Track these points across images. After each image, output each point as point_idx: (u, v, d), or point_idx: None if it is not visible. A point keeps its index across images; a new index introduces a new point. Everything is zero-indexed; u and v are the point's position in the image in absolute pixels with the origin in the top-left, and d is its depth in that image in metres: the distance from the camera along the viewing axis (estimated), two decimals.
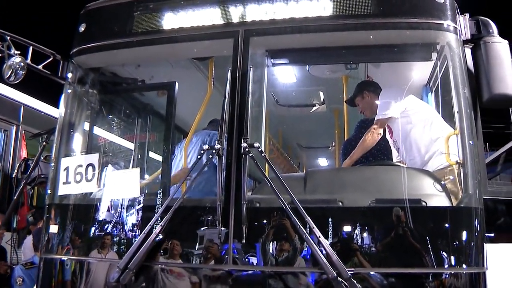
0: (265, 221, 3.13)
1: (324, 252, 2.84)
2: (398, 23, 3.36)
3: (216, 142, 3.14)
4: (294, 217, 2.90)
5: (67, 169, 3.55)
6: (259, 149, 3.12)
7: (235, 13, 3.53)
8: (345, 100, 5.00)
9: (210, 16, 3.57)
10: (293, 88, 5.53)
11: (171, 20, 3.64)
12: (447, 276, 2.89)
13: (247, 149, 3.08)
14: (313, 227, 2.89)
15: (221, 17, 3.55)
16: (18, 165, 5.88)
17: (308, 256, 2.95)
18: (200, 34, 3.59)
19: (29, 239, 5.72)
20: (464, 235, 2.96)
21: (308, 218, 2.89)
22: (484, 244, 2.97)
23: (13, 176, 5.95)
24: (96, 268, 3.35)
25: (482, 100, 3.23)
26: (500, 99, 3.21)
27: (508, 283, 3.10)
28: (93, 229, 3.44)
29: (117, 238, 3.34)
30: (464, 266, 2.89)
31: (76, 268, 3.41)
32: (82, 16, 3.91)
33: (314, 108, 6.28)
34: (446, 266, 2.88)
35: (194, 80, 4.69)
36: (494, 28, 3.39)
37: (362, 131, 4.64)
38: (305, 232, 2.88)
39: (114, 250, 3.33)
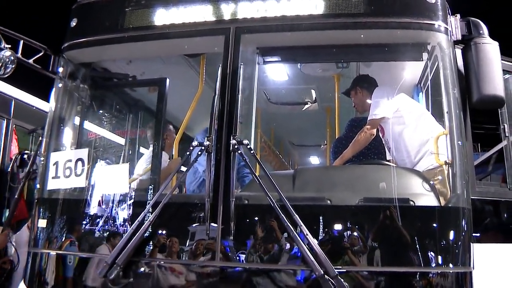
0: (253, 218, 3.15)
1: (311, 250, 2.85)
2: (389, 23, 3.36)
3: (205, 139, 3.15)
4: (282, 215, 2.90)
5: (56, 163, 3.54)
6: (248, 146, 3.12)
7: (227, 10, 3.52)
8: (341, 92, 4.97)
9: (201, 13, 3.56)
10: (285, 86, 5.55)
11: (162, 16, 3.62)
12: (434, 275, 2.90)
13: (236, 146, 3.08)
14: (301, 225, 2.89)
15: (212, 14, 3.54)
16: (13, 159, 5.82)
17: (296, 254, 2.95)
18: (192, 31, 3.59)
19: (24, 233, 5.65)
20: (451, 235, 2.97)
21: (296, 216, 2.90)
22: (471, 244, 2.99)
23: (8, 170, 5.88)
24: (84, 263, 3.34)
25: (472, 101, 3.24)
26: (489, 100, 3.22)
27: (494, 283, 3.12)
28: (81, 224, 3.43)
29: (106, 233, 3.34)
30: (451, 265, 2.91)
31: (64, 263, 3.41)
32: (73, 10, 3.89)
33: (306, 106, 6.29)
34: (433, 265, 2.89)
35: (185, 77, 4.69)
36: (484, 29, 3.40)
37: (353, 130, 4.64)
38: (293, 230, 2.89)
39: (103, 245, 3.32)
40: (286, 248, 3.00)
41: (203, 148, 3.12)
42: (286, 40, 3.55)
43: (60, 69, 3.86)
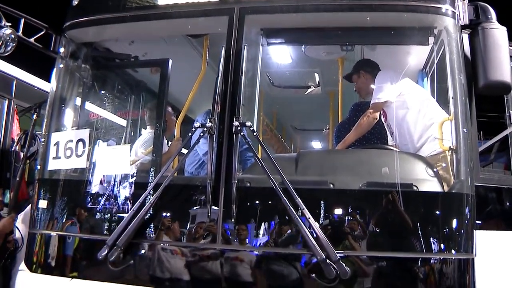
0: (255, 201, 3.12)
1: (313, 234, 2.83)
2: (396, 5, 3.32)
3: (208, 120, 3.12)
4: (284, 198, 2.88)
5: (57, 144, 3.51)
6: (251, 128, 3.09)
7: None
8: (343, 76, 4.93)
9: None
10: (288, 69, 5.49)
11: None
12: (436, 261, 2.88)
13: (238, 128, 3.05)
14: (303, 209, 2.87)
15: None
16: (17, 138, 5.77)
17: (298, 238, 2.94)
18: (195, 11, 3.53)
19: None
20: (454, 221, 2.95)
21: (298, 199, 2.88)
22: (474, 230, 2.97)
23: (12, 150, 5.85)
24: (85, 245, 3.34)
25: (478, 86, 3.19)
26: (496, 86, 3.17)
27: (496, 270, 3.11)
28: (82, 205, 3.41)
29: (106, 214, 3.32)
30: (453, 252, 2.89)
31: (65, 244, 3.39)
32: None
33: (309, 90, 6.24)
34: (436, 251, 2.87)
35: (187, 58, 4.64)
36: (493, 14, 3.34)
37: (357, 114, 4.61)
38: (295, 213, 2.87)
39: (103, 226, 3.31)
40: (288, 232, 2.99)
41: (205, 129, 3.09)
42: (291, 21, 3.50)
43: (61, 49, 3.81)
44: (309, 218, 2.86)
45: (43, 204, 3.48)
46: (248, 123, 3.09)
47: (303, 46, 4.68)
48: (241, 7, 3.41)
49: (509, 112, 3.65)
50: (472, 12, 3.38)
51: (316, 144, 8.66)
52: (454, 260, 2.89)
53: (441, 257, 2.88)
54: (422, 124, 3.85)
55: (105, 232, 3.26)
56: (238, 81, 3.24)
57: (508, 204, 3.60)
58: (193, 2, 3.52)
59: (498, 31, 3.23)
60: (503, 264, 3.19)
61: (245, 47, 3.30)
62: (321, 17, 3.45)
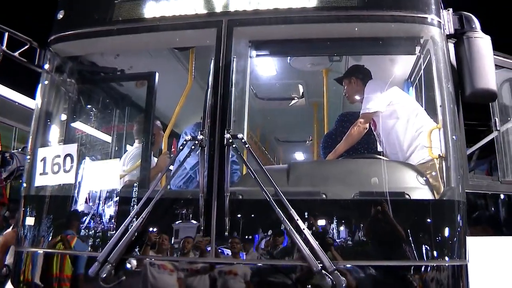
0: (248, 214, 3.10)
1: (308, 245, 2.82)
2: (383, 16, 3.35)
3: (199, 133, 3.09)
4: (278, 210, 2.87)
5: (44, 159, 3.44)
6: (243, 140, 3.08)
7: (219, 2, 3.46)
8: (334, 79, 4.93)
9: (193, 5, 3.49)
10: (272, 80, 5.50)
11: (153, 9, 3.54)
12: (430, 268, 2.89)
13: (230, 140, 3.04)
14: (298, 220, 2.86)
15: (204, 6, 3.48)
16: None
17: (292, 249, 2.92)
18: (183, 23, 3.52)
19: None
20: (447, 228, 2.97)
21: (292, 211, 2.86)
22: (466, 237, 2.99)
23: None
24: (75, 262, 3.26)
25: (465, 94, 3.24)
26: (482, 94, 3.23)
27: (485, 276, 3.13)
28: (71, 221, 3.35)
29: (96, 230, 3.25)
30: (447, 258, 2.91)
31: (54, 261, 3.28)
32: (60, 2, 3.78)
33: (293, 101, 6.26)
34: (429, 258, 2.88)
35: (172, 71, 4.63)
36: (477, 23, 3.40)
37: (343, 124, 4.65)
38: (289, 224, 2.85)
39: (94, 243, 3.24)
40: (282, 243, 2.97)
41: (196, 142, 3.06)
42: (279, 33, 3.52)
43: (46, 63, 3.75)
44: (303, 229, 2.85)
45: (30, 221, 3.39)
46: (240, 135, 3.07)
47: (290, 57, 4.69)
48: (230, 19, 3.41)
49: (495, 118, 3.70)
50: (457, 22, 3.44)
51: (299, 156, 8.67)
52: (448, 266, 2.91)
53: (436, 264, 2.89)
54: (411, 133, 3.89)
55: (95, 248, 3.19)
56: (228, 93, 3.23)
57: (495, 210, 3.65)
58: (181, 15, 3.51)
59: (483, 40, 3.29)
60: (493, 270, 3.22)
61: (234, 58, 3.30)
62: (308, 28, 3.47)
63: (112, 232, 3.14)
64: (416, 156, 3.80)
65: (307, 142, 7.27)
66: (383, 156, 4.05)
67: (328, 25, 3.44)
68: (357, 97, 4.37)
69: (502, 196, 3.61)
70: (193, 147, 3.08)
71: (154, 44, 3.91)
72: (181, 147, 3.18)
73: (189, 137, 3.13)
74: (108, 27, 3.61)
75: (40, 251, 3.34)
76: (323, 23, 3.42)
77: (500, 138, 3.73)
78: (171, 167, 3.60)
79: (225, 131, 3.07)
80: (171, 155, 4.41)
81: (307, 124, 6.56)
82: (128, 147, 4.81)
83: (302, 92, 6.04)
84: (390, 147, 4.06)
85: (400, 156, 3.94)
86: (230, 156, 3.10)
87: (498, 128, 3.70)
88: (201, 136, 3.06)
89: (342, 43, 3.65)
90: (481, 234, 3.42)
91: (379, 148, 4.32)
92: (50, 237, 3.34)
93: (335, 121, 4.87)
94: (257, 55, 3.67)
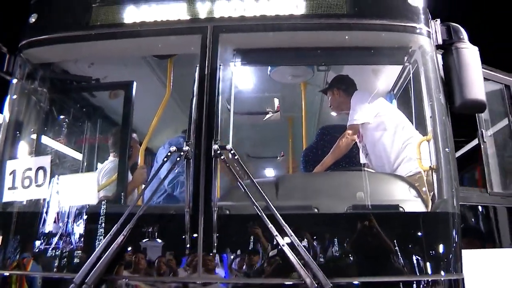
0: (238, 230, 2.92)
1: (303, 261, 2.67)
2: (372, 25, 3.30)
3: (184, 144, 2.92)
4: (271, 225, 2.71)
5: (13, 172, 3.18)
6: (232, 152, 2.92)
7: (203, 8, 3.33)
8: (319, 90, 4.88)
9: (176, 10, 3.35)
10: (249, 94, 5.35)
11: (133, 14, 3.39)
12: (430, 283, 2.80)
13: (218, 152, 2.88)
14: (291, 235, 2.71)
15: (187, 12, 3.34)
16: None
17: (286, 266, 2.75)
18: (165, 29, 3.37)
19: None
20: (444, 241, 2.89)
21: (286, 226, 2.72)
22: (461, 250, 2.92)
23: None
24: (49, 285, 2.99)
25: (455, 105, 3.20)
26: (472, 105, 3.21)
27: None
28: (43, 240, 3.06)
29: (72, 250, 2.99)
30: (443, 273, 2.82)
31: (26, 285, 3.02)
32: (33, 5, 3.56)
33: (267, 116, 6.12)
34: (428, 273, 2.80)
35: (147, 81, 4.43)
36: (464, 34, 3.39)
37: (324, 138, 4.57)
38: (282, 240, 2.70)
39: (69, 263, 2.97)
40: (275, 260, 2.80)
41: (182, 154, 2.88)
42: (266, 41, 3.41)
43: (17, 69, 3.50)
44: (297, 245, 2.70)
45: None
46: (228, 146, 2.92)
47: (269, 69, 4.57)
48: (215, 25, 3.27)
49: (481, 130, 3.68)
50: (445, 32, 3.41)
51: (270, 172, 8.51)
52: (444, 281, 2.82)
53: (433, 279, 2.80)
54: (398, 145, 3.83)
55: (72, 269, 2.91)
56: (214, 102, 3.08)
57: (485, 221, 3.62)
58: (162, 20, 3.35)
59: (471, 50, 3.28)
60: (485, 283, 3.17)
61: (220, 66, 3.16)
62: (295, 37, 3.38)
63: (89, 252, 2.88)
64: (403, 169, 3.73)
65: (278, 158, 7.13)
66: (368, 168, 3.97)
67: (316, 33, 3.36)
68: (341, 108, 4.29)
69: (489, 208, 3.58)
70: (178, 159, 2.90)
71: (134, 51, 3.73)
72: (165, 159, 2.98)
73: (174, 148, 2.94)
74: (85, 32, 3.41)
75: (8, 273, 3.05)
76: (311, 31, 3.33)
77: (487, 150, 3.70)
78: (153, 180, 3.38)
79: (213, 142, 2.92)
80: (149, 169, 4.20)
81: (281, 139, 6.44)
82: (101, 161, 4.55)
83: (278, 106, 5.91)
84: (376, 159, 3.98)
85: (386, 168, 3.86)
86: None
87: (485, 140, 3.68)
88: (187, 147, 2.89)
89: (330, 52, 3.56)
90: (470, 247, 3.36)
91: (362, 160, 4.23)
92: (20, 258, 3.05)
93: (316, 135, 4.77)
94: (242, 64, 3.52)
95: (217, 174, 2.93)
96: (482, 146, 3.69)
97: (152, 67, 4.33)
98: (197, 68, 3.16)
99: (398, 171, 3.74)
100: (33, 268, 3.02)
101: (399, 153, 3.80)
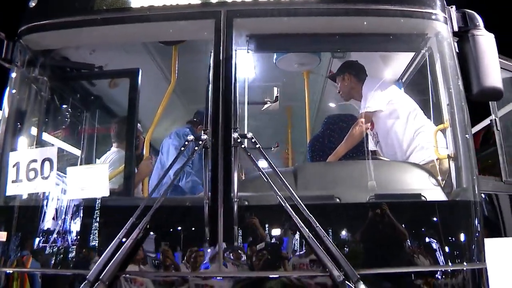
0: (259, 221, 2.80)
1: (329, 253, 2.58)
2: (389, 10, 3.21)
3: (202, 132, 2.80)
4: (295, 215, 2.62)
5: (17, 165, 3.00)
6: (253, 140, 2.81)
7: None
8: (327, 76, 4.79)
9: None
10: (250, 83, 5.24)
11: None
12: (455, 273, 2.74)
13: (239, 140, 2.77)
14: (317, 226, 2.62)
15: None
16: None
17: (311, 258, 2.66)
18: (175, 14, 3.21)
19: None
20: (467, 230, 2.84)
21: (311, 216, 2.62)
22: (484, 239, 2.88)
23: None
24: (61, 282, 2.83)
25: (472, 93, 3.15)
26: (489, 93, 3.16)
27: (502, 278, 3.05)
28: (53, 235, 2.90)
29: (84, 245, 2.84)
30: (466, 262, 2.76)
31: (35, 283, 2.85)
32: None
33: (266, 106, 6.02)
34: (454, 262, 2.75)
35: (150, 69, 4.28)
36: (480, 21, 3.33)
37: (331, 127, 4.49)
38: (308, 231, 2.60)
39: (82, 259, 2.82)
40: (300, 252, 2.71)
41: (200, 143, 2.76)
42: (281, 26, 3.29)
43: (17, 57, 3.31)
44: (323, 236, 2.61)
45: (2, 236, 2.93)
46: (249, 134, 2.81)
47: (275, 57, 4.46)
48: (228, 9, 3.15)
49: (495, 118, 3.65)
50: (460, 19, 3.35)
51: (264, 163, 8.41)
52: (470, 270, 2.77)
53: (460, 268, 2.74)
54: (410, 133, 3.79)
55: (84, 266, 2.76)
56: (230, 89, 2.96)
57: (501, 210, 3.60)
58: (172, 4, 3.20)
59: (488, 37, 3.22)
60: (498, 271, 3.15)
61: (236, 51, 3.05)
62: (310, 22, 3.28)
63: (103, 247, 2.73)
64: (415, 157, 3.69)
65: (272, 148, 7.05)
66: (380, 156, 3.92)
67: (331, 18, 3.25)
68: (352, 94, 4.21)
69: (505, 196, 3.56)
70: (196, 148, 2.78)
71: (141, 37, 3.58)
72: (182, 148, 2.85)
73: (191, 137, 2.81)
74: (90, 16, 3.24)
75: (18, 270, 2.87)
76: (327, 16, 3.23)
77: (501, 138, 3.67)
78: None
79: (233, 130, 2.80)
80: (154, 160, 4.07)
81: (278, 129, 6.35)
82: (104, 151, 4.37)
83: (277, 96, 5.81)
84: (387, 147, 3.93)
85: (398, 156, 3.82)
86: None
87: (498, 128, 3.65)
88: (205, 136, 2.77)
89: (345, 38, 3.45)
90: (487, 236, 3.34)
91: (372, 148, 4.16)
92: (29, 255, 2.90)
93: (322, 124, 4.68)
94: (256, 51, 3.40)
95: (236, 164, 2.81)
96: (496, 134, 3.65)
97: (158, 54, 4.17)
98: (212, 54, 3.03)
99: (410, 159, 3.69)
100: (44, 265, 2.86)
101: (411, 141, 3.76)
